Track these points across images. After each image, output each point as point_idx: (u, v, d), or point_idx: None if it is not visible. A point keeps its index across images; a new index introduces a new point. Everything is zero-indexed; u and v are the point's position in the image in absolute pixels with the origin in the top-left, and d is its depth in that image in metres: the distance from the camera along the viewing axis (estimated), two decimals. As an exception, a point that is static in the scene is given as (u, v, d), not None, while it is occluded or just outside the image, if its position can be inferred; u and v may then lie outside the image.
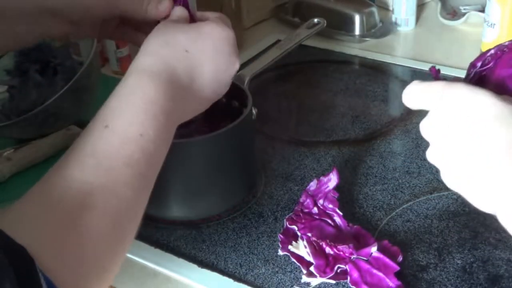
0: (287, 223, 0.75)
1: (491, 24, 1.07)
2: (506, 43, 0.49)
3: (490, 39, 1.08)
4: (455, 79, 0.48)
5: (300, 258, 0.70)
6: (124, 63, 1.13)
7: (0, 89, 1.00)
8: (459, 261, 0.70)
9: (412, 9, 1.25)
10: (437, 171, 0.46)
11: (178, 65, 0.57)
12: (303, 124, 0.99)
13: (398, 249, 0.70)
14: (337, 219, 0.74)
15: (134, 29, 0.70)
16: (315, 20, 0.98)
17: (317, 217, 0.74)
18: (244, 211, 0.79)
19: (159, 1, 0.64)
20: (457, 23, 1.26)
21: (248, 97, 0.77)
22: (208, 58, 0.59)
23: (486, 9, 1.08)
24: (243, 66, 0.81)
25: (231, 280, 0.69)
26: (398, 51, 1.21)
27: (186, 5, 0.64)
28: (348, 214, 0.76)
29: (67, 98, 0.89)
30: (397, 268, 0.67)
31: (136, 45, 0.64)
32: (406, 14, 1.26)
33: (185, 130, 0.61)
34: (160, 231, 0.77)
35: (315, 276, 0.67)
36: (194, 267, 0.71)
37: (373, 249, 0.68)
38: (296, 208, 0.76)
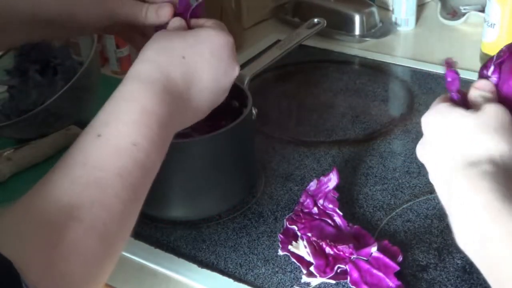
0: (287, 223, 0.75)
1: (491, 24, 1.07)
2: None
3: (490, 39, 1.08)
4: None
5: (300, 258, 0.70)
6: (124, 63, 1.13)
7: (0, 89, 1.00)
8: (459, 261, 0.70)
9: (412, 9, 1.25)
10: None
11: (175, 71, 0.56)
12: (303, 124, 0.99)
13: (398, 249, 0.70)
14: (337, 219, 0.74)
15: (141, 35, 0.70)
16: (315, 20, 0.98)
17: (317, 217, 0.74)
18: (244, 211, 0.79)
19: (159, 6, 0.64)
20: (457, 23, 1.26)
21: (248, 97, 0.77)
22: (206, 64, 0.58)
23: (486, 9, 1.08)
24: (243, 66, 0.80)
25: (231, 280, 0.69)
26: (398, 51, 1.21)
27: (187, 11, 0.64)
28: (348, 214, 0.76)
29: (67, 98, 0.89)
30: (397, 268, 0.67)
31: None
32: (406, 14, 1.26)
33: (185, 130, 0.60)
34: (160, 231, 0.77)
35: (315, 276, 0.67)
36: (194, 267, 0.71)
37: (373, 249, 0.68)
38: (296, 208, 0.76)
